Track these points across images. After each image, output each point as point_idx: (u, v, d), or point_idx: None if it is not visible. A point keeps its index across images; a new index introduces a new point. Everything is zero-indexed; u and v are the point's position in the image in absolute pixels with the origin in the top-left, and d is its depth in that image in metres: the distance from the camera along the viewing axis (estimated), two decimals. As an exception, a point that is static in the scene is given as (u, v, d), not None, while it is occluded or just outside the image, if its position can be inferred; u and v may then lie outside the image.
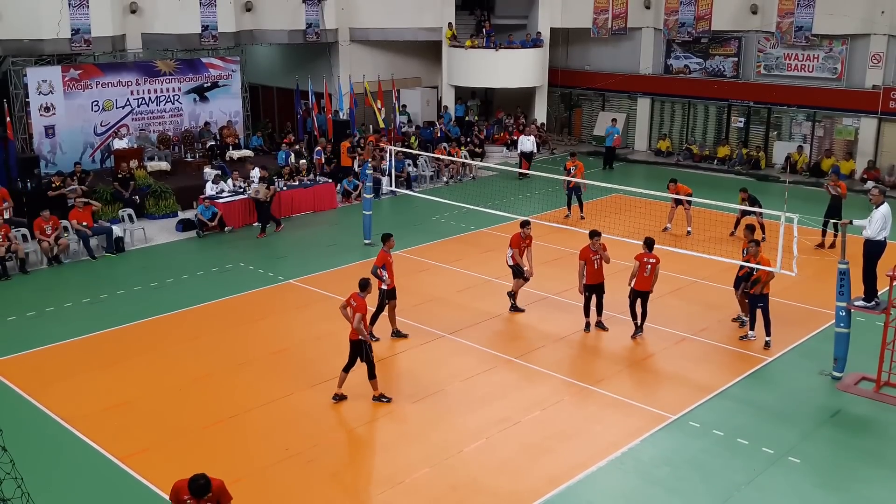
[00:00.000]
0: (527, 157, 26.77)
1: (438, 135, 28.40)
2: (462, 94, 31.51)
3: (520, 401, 12.15)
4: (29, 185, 19.96)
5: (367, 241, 19.40)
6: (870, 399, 12.34)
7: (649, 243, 14.23)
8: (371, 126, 27.83)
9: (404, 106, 29.48)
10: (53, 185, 20.02)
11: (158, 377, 12.89)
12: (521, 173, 26.26)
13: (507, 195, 23.74)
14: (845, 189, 19.06)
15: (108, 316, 15.37)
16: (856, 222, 13.00)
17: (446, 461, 10.59)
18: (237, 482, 10.09)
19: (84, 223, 18.89)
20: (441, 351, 13.94)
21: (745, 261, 14.17)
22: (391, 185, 22.07)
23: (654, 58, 30.70)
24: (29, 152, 22.31)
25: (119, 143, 23.54)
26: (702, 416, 11.75)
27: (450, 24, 29.58)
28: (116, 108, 24.38)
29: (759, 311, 13.87)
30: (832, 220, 18.39)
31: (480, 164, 26.43)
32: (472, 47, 29.26)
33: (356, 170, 23.90)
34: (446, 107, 30.20)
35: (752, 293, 13.76)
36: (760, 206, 18.41)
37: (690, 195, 19.44)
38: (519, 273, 15.32)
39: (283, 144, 25.33)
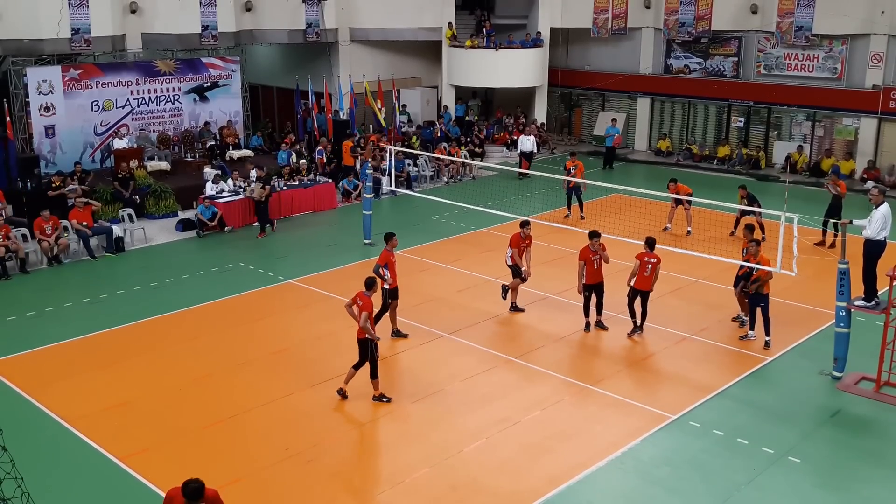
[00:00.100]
0: (527, 157, 26.77)
1: (438, 135, 28.40)
2: (463, 93, 31.52)
3: (520, 401, 12.15)
4: (29, 184, 19.95)
5: (367, 241, 19.40)
6: (870, 399, 12.33)
7: (650, 243, 14.23)
8: (371, 126, 27.83)
9: (404, 106, 29.48)
10: (53, 185, 20.02)
11: (158, 377, 12.89)
12: (521, 173, 26.26)
13: (507, 195, 23.73)
14: (845, 188, 19.10)
15: (107, 316, 15.37)
16: (856, 222, 13.00)
17: (446, 461, 10.59)
18: (237, 482, 10.11)
19: (84, 223, 18.89)
20: (441, 351, 13.94)
21: (744, 260, 14.17)
22: (391, 185, 22.06)
23: (654, 58, 30.69)
24: (29, 152, 22.31)
25: (119, 143, 23.54)
26: (702, 416, 11.75)
27: (450, 23, 29.59)
28: (116, 107, 24.38)
29: (759, 311, 13.87)
30: (832, 220, 18.44)
31: (480, 163, 26.43)
32: (472, 47, 29.26)
33: (357, 169, 23.91)
34: (446, 107, 30.20)
35: (752, 293, 13.76)
36: (759, 205, 18.46)
37: (690, 195, 19.45)
38: (517, 273, 15.33)
39: (283, 144, 25.32)
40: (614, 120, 29.38)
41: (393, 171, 22.02)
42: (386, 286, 13.83)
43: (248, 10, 26.40)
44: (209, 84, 26.27)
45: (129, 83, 24.54)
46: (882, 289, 13.07)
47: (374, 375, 11.96)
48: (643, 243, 14.30)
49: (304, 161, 24.03)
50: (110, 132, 24.20)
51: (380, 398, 12.04)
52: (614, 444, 10.95)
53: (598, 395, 12.38)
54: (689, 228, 20.20)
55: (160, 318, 15.30)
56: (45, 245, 18.07)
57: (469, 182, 26.27)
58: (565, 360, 13.69)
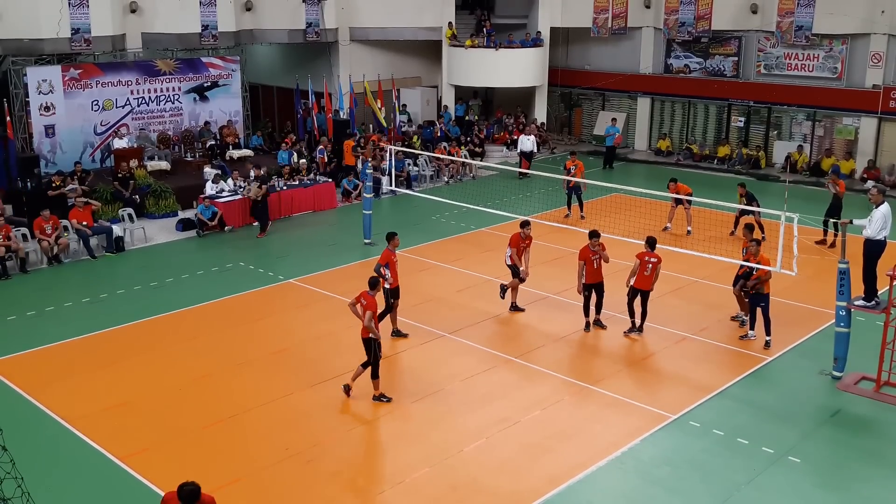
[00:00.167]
0: (527, 157, 26.77)
1: (438, 134, 28.40)
2: (464, 93, 31.52)
3: (520, 400, 12.15)
4: (29, 184, 19.95)
5: (367, 241, 19.40)
6: (870, 399, 12.34)
7: (651, 242, 14.23)
8: (371, 125, 27.83)
9: (404, 105, 29.48)
10: (53, 185, 20.01)
11: (158, 377, 12.89)
12: (521, 173, 26.25)
13: (507, 195, 23.73)
14: (844, 188, 19.11)
15: (107, 315, 15.37)
16: (856, 222, 12.99)
17: (446, 461, 10.59)
18: (237, 482, 10.11)
19: (84, 223, 18.89)
20: (441, 350, 13.94)
21: (745, 260, 14.18)
22: (391, 185, 22.06)
23: (654, 57, 30.69)
24: (29, 152, 22.30)
25: (119, 143, 23.54)
26: (702, 416, 11.75)
27: (450, 23, 29.58)
28: (116, 107, 24.37)
29: (759, 311, 13.87)
30: (832, 220, 18.45)
31: (480, 163, 26.42)
32: (472, 47, 29.26)
33: (357, 169, 23.90)
34: (446, 106, 30.20)
35: (753, 293, 13.75)
36: (757, 203, 18.48)
37: (690, 195, 19.46)
38: (516, 273, 15.32)
39: (284, 144, 25.31)
40: (614, 119, 29.38)
41: (393, 170, 22.02)
42: (387, 286, 13.82)
43: (248, 9, 26.40)
44: (209, 84, 26.26)
45: (130, 83, 24.54)
46: (882, 288, 13.07)
47: (374, 375, 11.97)
48: (644, 243, 14.30)
49: (303, 161, 24.03)
50: (110, 132, 24.20)
51: (380, 398, 12.04)
52: (614, 444, 10.95)
53: (598, 395, 12.38)
54: (689, 228, 20.20)
55: (160, 318, 15.30)
56: (45, 245, 18.07)
57: (469, 182, 26.27)
58: (565, 360, 13.69)
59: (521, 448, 10.89)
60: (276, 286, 16.98)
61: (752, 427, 11.46)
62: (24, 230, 18.49)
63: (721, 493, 9.96)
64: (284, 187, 22.27)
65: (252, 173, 21.81)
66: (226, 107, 26.69)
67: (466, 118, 30.64)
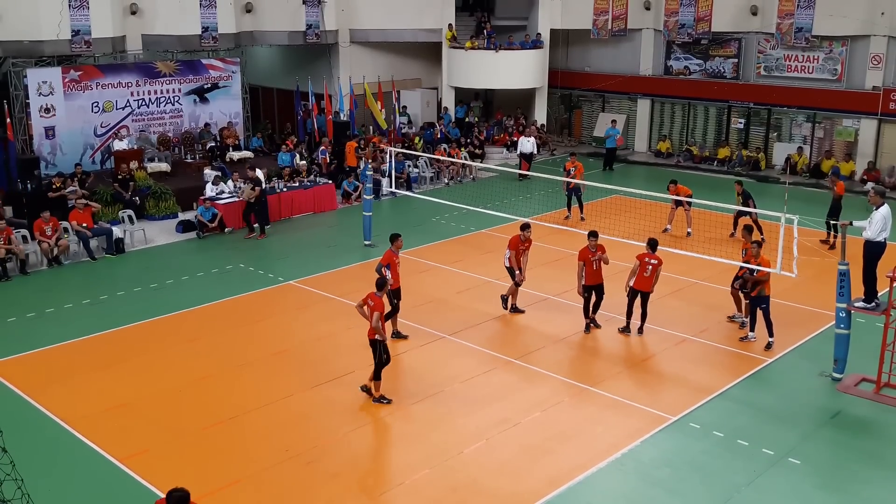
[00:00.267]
0: (527, 159, 26.77)
1: (438, 136, 28.41)
2: (465, 95, 31.53)
3: (520, 402, 12.15)
4: (29, 186, 19.96)
5: (367, 243, 19.41)
6: (870, 400, 12.33)
7: (652, 244, 14.24)
8: (371, 127, 27.84)
9: (405, 107, 29.49)
10: (54, 187, 20.02)
11: (158, 378, 12.89)
12: (521, 174, 26.26)
13: (507, 196, 23.74)
14: (842, 188, 19.14)
15: (107, 317, 15.37)
16: (856, 223, 13.00)
17: (446, 462, 10.58)
18: (237, 483, 10.11)
19: (84, 224, 18.90)
20: (441, 352, 13.94)
21: (744, 261, 14.18)
22: (391, 187, 22.06)
23: (654, 59, 30.70)
24: (29, 153, 22.30)
25: (119, 145, 23.55)
26: (702, 418, 11.75)
27: (450, 25, 29.60)
28: (116, 109, 24.38)
29: (759, 312, 13.86)
30: (832, 222, 18.50)
31: (480, 165, 26.43)
32: (472, 48, 29.28)
33: (358, 171, 23.90)
34: (446, 108, 30.21)
35: (754, 295, 13.75)
36: (754, 202, 18.54)
37: (690, 196, 19.47)
38: (513, 275, 15.29)
39: (284, 146, 25.30)
40: (614, 121, 29.39)
41: (393, 172, 22.02)
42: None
43: (248, 11, 26.41)
44: (209, 85, 26.27)
45: (130, 84, 24.54)
46: (882, 290, 13.08)
47: (376, 377, 11.97)
48: (645, 245, 14.31)
49: (303, 162, 24.03)
50: (110, 133, 24.20)
51: (380, 399, 12.04)
52: (614, 446, 10.94)
53: (598, 397, 12.38)
54: (689, 230, 20.20)
55: (160, 320, 15.30)
56: (45, 246, 18.07)
57: (469, 183, 26.28)
58: (565, 362, 13.69)
59: (522, 449, 10.89)
60: (277, 288, 16.98)
61: (753, 428, 11.46)
62: (24, 232, 18.49)
63: (721, 494, 9.96)
64: (284, 189, 22.27)
65: (249, 175, 21.83)
66: (226, 108, 26.70)
67: (466, 120, 30.65)
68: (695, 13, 28.81)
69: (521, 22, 31.36)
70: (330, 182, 23.57)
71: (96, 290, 16.84)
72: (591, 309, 14.71)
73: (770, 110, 28.44)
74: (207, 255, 19.19)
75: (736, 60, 28.85)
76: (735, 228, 19.77)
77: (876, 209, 12.60)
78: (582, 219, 21.26)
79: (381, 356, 11.85)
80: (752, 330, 14.16)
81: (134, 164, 22.34)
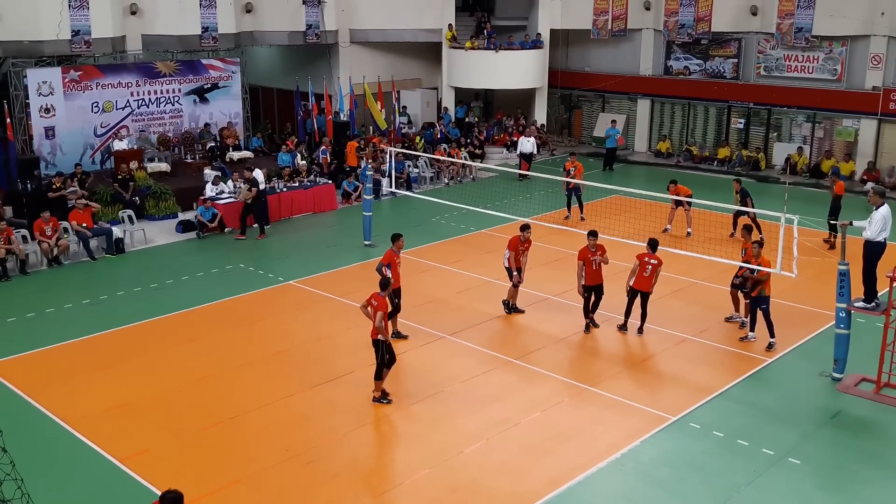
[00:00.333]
0: (527, 159, 26.78)
1: (438, 136, 28.41)
2: (465, 95, 31.52)
3: (520, 402, 12.15)
4: (29, 186, 19.96)
5: (367, 243, 19.41)
6: (870, 400, 12.33)
7: (653, 244, 14.26)
8: (371, 127, 27.84)
9: (405, 107, 29.49)
10: (54, 186, 20.02)
11: (158, 378, 12.89)
12: (521, 174, 26.27)
13: (507, 196, 23.74)
14: (841, 188, 19.13)
15: (107, 317, 15.37)
16: (856, 223, 13.00)
17: (446, 462, 10.58)
18: (237, 483, 10.11)
19: (84, 224, 18.90)
20: (441, 352, 13.94)
21: (744, 261, 14.19)
22: (391, 187, 22.06)
23: (654, 59, 30.70)
24: (29, 153, 22.31)
25: (119, 145, 23.55)
26: (702, 418, 11.75)
27: (450, 25, 29.60)
28: (116, 109, 24.38)
29: (759, 313, 13.86)
30: (832, 222, 18.52)
31: (480, 165, 26.43)
32: (472, 48, 29.28)
33: (358, 171, 23.90)
34: (446, 108, 30.21)
35: (754, 295, 13.75)
36: (751, 200, 18.56)
37: (690, 196, 19.48)
38: (511, 276, 15.27)
39: (285, 146, 25.30)
40: (614, 121, 29.40)
41: (393, 172, 22.02)
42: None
43: (248, 11, 26.41)
44: (209, 85, 26.28)
45: (130, 84, 24.54)
46: (882, 290, 13.08)
47: (377, 377, 11.97)
48: (646, 244, 14.32)
49: (303, 162, 24.04)
50: (110, 133, 24.20)
51: (380, 399, 12.04)
52: (614, 446, 10.94)
53: (598, 397, 12.38)
54: (689, 230, 20.21)
55: (160, 320, 15.30)
56: (45, 246, 18.07)
57: (469, 183, 26.28)
58: (565, 362, 13.69)
59: (522, 449, 10.89)
60: (276, 288, 16.98)
61: (753, 428, 11.46)
62: (24, 232, 18.49)
63: (721, 494, 9.96)
64: (284, 189, 22.27)
65: (244, 175, 21.80)
66: (226, 108, 26.70)
67: (466, 120, 30.65)
68: (695, 13, 28.81)
69: (521, 22, 31.36)
70: (330, 182, 23.57)
71: (96, 290, 16.84)
72: (590, 309, 14.71)
73: (770, 110, 28.44)
74: (207, 255, 19.19)
75: (736, 60, 28.85)
76: (735, 228, 19.77)
77: (876, 209, 12.60)
78: (582, 219, 21.26)
79: (384, 356, 11.84)
80: (751, 330, 14.16)
81: (134, 165, 22.34)
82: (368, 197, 19.58)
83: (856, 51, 26.28)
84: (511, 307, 15.48)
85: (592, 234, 14.40)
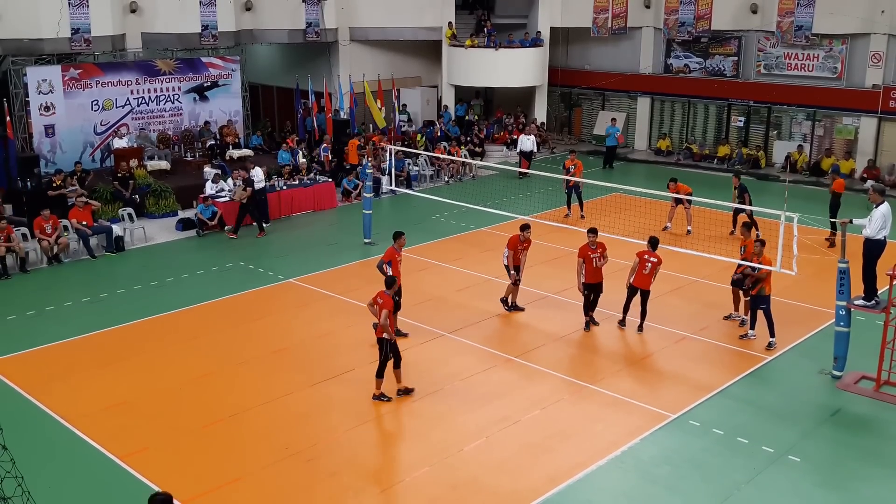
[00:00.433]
0: (527, 157, 26.78)
1: (438, 134, 28.41)
2: (465, 93, 31.51)
3: (519, 400, 12.15)
4: (29, 184, 19.96)
5: (367, 241, 19.42)
6: (870, 398, 12.34)
7: (653, 242, 14.27)
8: (371, 125, 27.84)
9: (404, 105, 29.48)
10: (54, 185, 20.03)
11: (158, 376, 12.89)
12: (521, 173, 26.26)
13: (507, 194, 23.74)
14: (840, 186, 19.11)
15: (108, 315, 15.37)
16: (856, 221, 12.99)
17: (446, 460, 10.59)
18: (237, 481, 10.12)
19: (84, 222, 18.90)
20: (441, 350, 13.94)
21: (742, 258, 14.21)
22: (391, 185, 22.06)
23: (654, 57, 30.69)
24: (29, 151, 22.31)
25: (119, 143, 23.53)
26: (702, 415, 11.75)
27: (450, 23, 29.58)
28: (116, 107, 24.37)
29: (760, 312, 13.86)
30: (832, 220, 18.51)
31: (480, 163, 26.41)
32: (472, 46, 29.26)
33: (357, 169, 23.90)
34: (446, 106, 30.20)
35: (754, 294, 13.75)
36: (749, 196, 18.56)
37: (690, 194, 19.47)
38: (509, 274, 15.27)
39: (285, 144, 25.29)
40: (614, 119, 29.39)
41: (393, 170, 22.02)
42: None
43: (248, 9, 26.40)
44: (209, 83, 26.27)
45: (129, 83, 24.54)
46: (882, 288, 13.06)
47: (379, 374, 11.97)
48: (647, 242, 14.33)
49: (304, 160, 24.04)
50: (110, 131, 24.20)
51: (380, 397, 12.05)
52: (614, 444, 10.95)
53: (597, 395, 12.38)
54: (689, 228, 20.20)
55: (160, 318, 15.30)
56: (45, 244, 18.07)
57: (469, 181, 26.28)
58: (565, 359, 13.69)
59: (521, 447, 10.89)
60: (276, 286, 16.98)
61: (752, 426, 11.46)
62: (24, 230, 18.49)
63: (721, 492, 9.96)
64: (284, 187, 22.27)
65: (241, 175, 21.76)
66: (226, 106, 26.69)
67: (466, 118, 30.64)
68: (695, 11, 28.79)
69: (521, 20, 31.34)
70: (330, 180, 23.56)
71: (96, 288, 16.84)
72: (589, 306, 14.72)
73: (770, 108, 28.43)
74: (207, 253, 19.19)
75: (736, 58, 28.83)
76: (735, 226, 19.76)
77: (876, 207, 12.59)
78: (582, 217, 21.26)
79: (387, 354, 11.84)
80: (752, 328, 14.16)
81: (134, 163, 22.34)
82: (368, 195, 19.58)
83: (856, 49, 26.27)
84: (511, 305, 15.49)
85: (592, 231, 14.41)
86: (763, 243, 13.90)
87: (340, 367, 13.11)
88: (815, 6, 26.24)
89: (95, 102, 23.91)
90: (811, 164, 27.05)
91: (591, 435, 11.25)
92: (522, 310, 15.51)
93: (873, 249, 12.72)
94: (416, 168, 25.71)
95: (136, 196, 21.55)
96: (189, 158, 24.83)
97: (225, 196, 21.20)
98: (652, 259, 14.20)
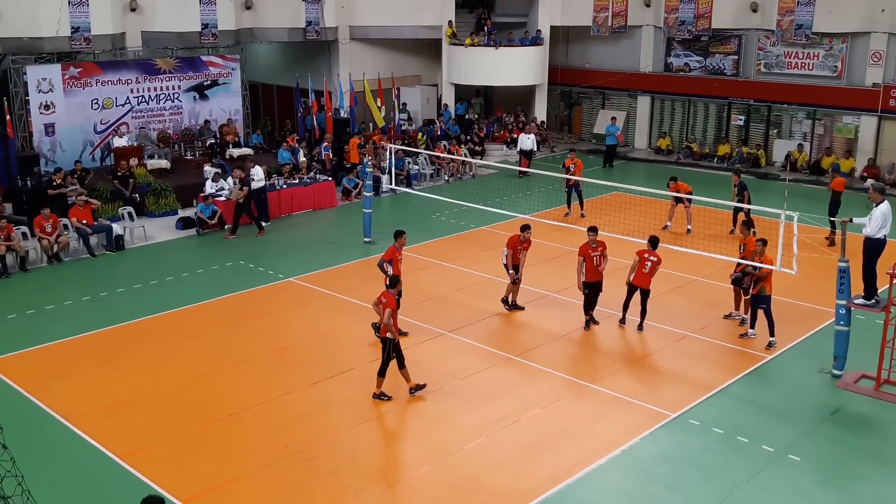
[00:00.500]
0: (527, 156, 26.77)
1: (438, 133, 28.40)
2: (466, 92, 31.50)
3: (519, 399, 12.15)
4: (29, 183, 19.96)
5: (367, 240, 19.41)
6: (870, 397, 12.34)
7: (654, 242, 14.27)
8: (371, 124, 27.83)
9: (405, 104, 29.47)
10: (54, 183, 20.02)
11: (158, 375, 12.89)
12: (521, 171, 26.26)
13: (507, 193, 23.73)
14: (839, 184, 19.09)
15: (108, 314, 15.37)
16: (856, 220, 12.99)
17: (446, 459, 10.59)
18: (237, 480, 10.12)
19: (84, 221, 18.90)
20: (441, 349, 13.94)
21: (741, 257, 14.21)
22: (391, 184, 22.06)
23: (655, 56, 30.67)
24: (29, 150, 22.31)
25: (119, 142, 23.52)
26: (702, 414, 11.75)
27: (450, 22, 29.58)
28: (116, 106, 24.37)
29: (760, 311, 13.85)
30: (832, 219, 18.52)
31: (480, 162, 26.40)
32: (472, 45, 29.25)
33: (358, 168, 23.90)
34: (446, 105, 30.19)
35: (754, 293, 13.75)
36: (748, 194, 18.55)
37: (690, 193, 19.47)
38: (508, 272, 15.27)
39: (285, 143, 25.28)
40: (614, 118, 29.39)
41: (393, 169, 22.01)
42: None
43: (248, 8, 26.38)
44: (209, 82, 26.26)
45: (129, 81, 24.53)
46: (882, 287, 13.06)
47: (381, 374, 11.96)
48: (647, 241, 14.33)
49: (304, 159, 24.03)
50: (110, 130, 24.19)
51: (380, 396, 12.05)
52: (614, 443, 10.95)
53: (597, 394, 12.39)
54: (689, 227, 20.20)
55: (160, 317, 15.30)
56: (45, 243, 18.07)
57: (469, 180, 26.28)
58: (565, 358, 13.70)
59: (521, 446, 10.89)
60: (276, 284, 16.98)
61: (752, 425, 11.46)
62: (25, 228, 18.49)
63: (721, 491, 9.97)
64: (284, 186, 22.27)
65: (237, 174, 21.75)
66: (226, 105, 26.69)
67: (466, 117, 30.63)
68: (695, 10, 28.78)
69: (521, 19, 31.32)
70: (330, 179, 23.56)
71: (96, 286, 16.84)
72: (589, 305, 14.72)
73: (770, 107, 28.42)
74: (207, 252, 19.19)
75: (736, 57, 28.81)
76: (735, 225, 19.76)
77: (876, 206, 12.58)
78: (582, 215, 21.25)
79: (389, 354, 11.83)
80: (752, 327, 14.16)
81: (134, 161, 22.33)
82: (368, 194, 19.58)
83: (856, 47, 26.25)
84: (511, 304, 15.48)
85: (593, 229, 14.42)
86: (765, 242, 13.89)
87: (340, 366, 13.12)
88: (815, 5, 26.22)
89: (95, 101, 23.90)
90: (811, 162, 27.04)
91: (591, 434, 11.26)
92: (522, 309, 15.51)
93: (873, 248, 12.72)
94: (416, 167, 25.70)
95: (136, 195, 21.54)
96: (189, 157, 24.82)
97: (225, 195, 21.19)
98: (652, 258, 14.21)
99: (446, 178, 26.12)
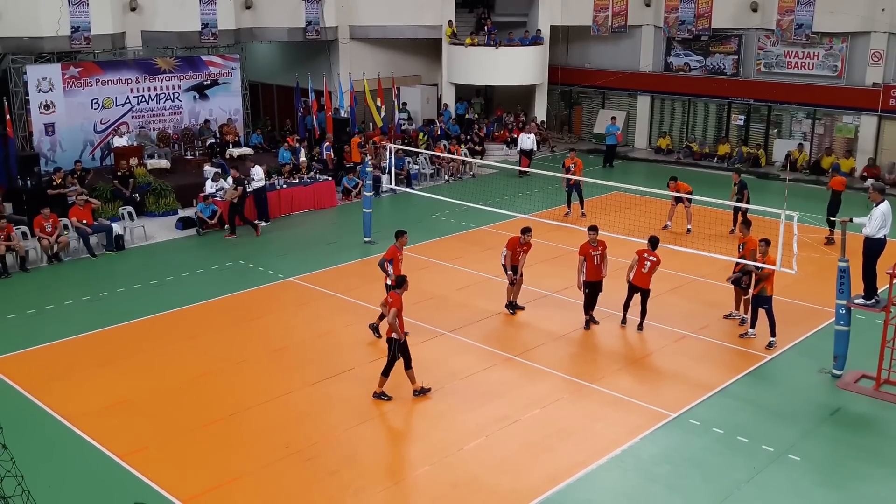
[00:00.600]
0: (527, 155, 26.77)
1: (438, 133, 28.40)
2: (466, 92, 31.50)
3: (519, 399, 12.15)
4: (29, 182, 19.96)
5: (367, 239, 19.41)
6: (870, 397, 12.34)
7: (653, 242, 14.27)
8: (371, 124, 27.83)
9: (405, 104, 29.47)
10: (54, 183, 20.02)
11: (158, 375, 12.89)
12: (521, 171, 26.26)
13: (507, 193, 23.73)
14: (839, 184, 19.09)
15: (108, 314, 15.37)
16: (855, 220, 12.99)
17: (446, 459, 10.59)
18: (237, 480, 10.12)
19: (84, 221, 18.89)
20: (441, 349, 13.94)
21: (741, 256, 14.21)
22: (391, 183, 22.06)
23: (655, 55, 30.67)
24: (29, 150, 22.31)
25: (119, 141, 23.52)
26: (702, 414, 11.75)
27: (450, 21, 29.57)
28: (116, 105, 24.36)
29: (761, 311, 13.85)
30: (831, 218, 18.51)
31: (480, 161, 26.39)
32: (472, 45, 29.25)
33: (358, 168, 23.89)
34: (446, 104, 30.19)
35: (755, 293, 13.76)
36: (748, 192, 18.53)
37: (690, 193, 19.46)
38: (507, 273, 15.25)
39: (285, 143, 25.28)
40: (614, 118, 29.39)
41: (393, 168, 22.01)
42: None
43: (248, 7, 26.37)
44: (209, 82, 26.25)
45: (129, 81, 24.53)
46: (882, 287, 13.07)
47: (385, 373, 11.96)
48: (647, 241, 14.34)
49: (304, 159, 24.03)
50: (110, 130, 24.19)
51: (380, 395, 12.05)
52: (614, 442, 10.95)
53: (597, 393, 12.39)
54: (689, 226, 20.20)
55: (160, 316, 15.30)
56: (46, 243, 18.07)
57: (469, 180, 26.27)
58: (565, 358, 13.69)
59: (521, 446, 10.89)
60: (276, 284, 16.98)
61: (752, 425, 11.46)
62: (25, 228, 18.49)
63: (721, 491, 9.97)
64: (284, 185, 22.27)
65: (232, 174, 21.73)
66: (226, 105, 26.69)
67: (467, 116, 30.63)
68: (695, 10, 28.78)
69: (521, 18, 31.31)
70: (330, 179, 23.56)
71: (96, 286, 16.84)
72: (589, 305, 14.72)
73: (770, 107, 28.41)
74: (207, 252, 19.19)
75: (736, 57, 28.81)
76: (735, 225, 19.75)
77: (875, 206, 12.58)
78: (582, 215, 21.25)
79: (395, 354, 11.82)
80: (752, 327, 14.16)
81: (134, 161, 22.32)
82: (368, 194, 19.58)
83: (856, 47, 26.25)
84: (511, 304, 15.47)
85: (593, 228, 14.42)
86: (768, 242, 13.89)
87: (340, 365, 13.11)
88: (815, 4, 26.22)
89: (95, 101, 23.90)
90: (811, 162, 27.03)
91: (591, 434, 11.26)
92: (522, 308, 15.50)
93: (873, 248, 12.72)
94: (417, 167, 25.70)
95: (136, 194, 21.53)
96: (189, 157, 24.82)
97: (220, 195, 21.17)
98: (651, 258, 14.21)
99: (446, 177, 26.12)
